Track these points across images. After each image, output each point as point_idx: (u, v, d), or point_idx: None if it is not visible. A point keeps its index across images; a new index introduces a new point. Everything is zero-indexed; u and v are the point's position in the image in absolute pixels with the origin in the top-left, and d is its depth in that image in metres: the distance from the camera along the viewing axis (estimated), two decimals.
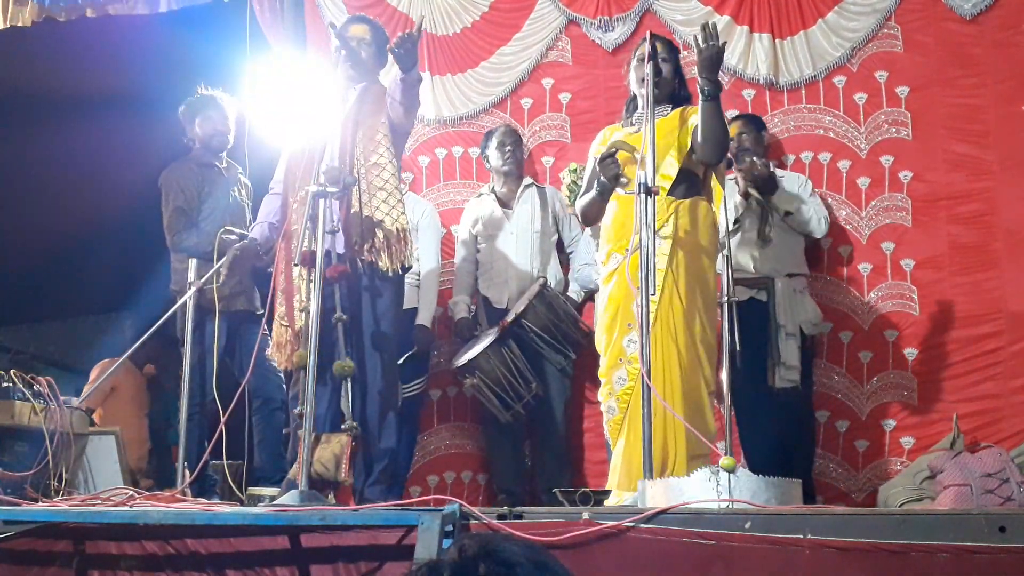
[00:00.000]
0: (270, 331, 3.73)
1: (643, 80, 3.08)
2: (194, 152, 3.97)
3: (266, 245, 3.47)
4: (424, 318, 3.97)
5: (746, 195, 3.71)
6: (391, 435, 3.16)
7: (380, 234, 3.05)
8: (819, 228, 3.80)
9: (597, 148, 3.33)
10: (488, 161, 4.10)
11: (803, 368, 3.64)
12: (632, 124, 3.28)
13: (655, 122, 3.13)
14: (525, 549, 1.04)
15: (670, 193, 3.07)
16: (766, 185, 3.66)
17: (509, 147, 4.01)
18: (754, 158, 3.67)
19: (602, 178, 3.12)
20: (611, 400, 3.10)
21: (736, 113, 3.99)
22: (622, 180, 3.07)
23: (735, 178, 3.76)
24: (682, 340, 3.01)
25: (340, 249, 3.09)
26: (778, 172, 3.88)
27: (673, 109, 3.23)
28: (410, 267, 3.28)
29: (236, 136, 3.99)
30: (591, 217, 3.35)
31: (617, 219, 3.16)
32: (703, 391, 3.04)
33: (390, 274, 3.09)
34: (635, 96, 3.32)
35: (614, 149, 3.09)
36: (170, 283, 3.86)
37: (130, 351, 3.64)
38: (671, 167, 3.12)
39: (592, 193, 3.23)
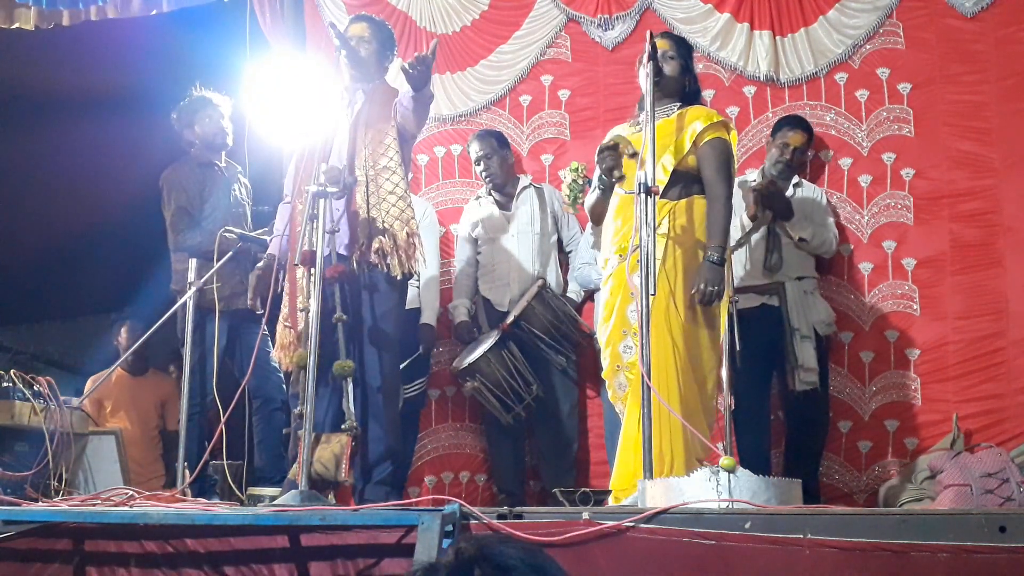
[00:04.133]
0: (270, 331, 3.73)
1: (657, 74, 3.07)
2: (194, 152, 3.96)
3: (283, 259, 3.42)
4: (428, 317, 3.97)
5: (754, 217, 3.66)
6: (393, 436, 3.16)
7: (388, 239, 3.05)
8: (830, 251, 3.79)
9: None
10: None
11: (820, 370, 3.63)
12: (637, 124, 3.27)
13: (671, 117, 3.14)
14: (522, 552, 1.04)
15: (663, 196, 3.02)
16: (782, 212, 3.63)
17: (482, 164, 4.00)
18: (773, 185, 3.64)
19: (601, 169, 3.11)
20: (618, 404, 3.12)
21: (785, 115, 3.96)
22: (615, 174, 3.06)
23: (745, 192, 3.71)
24: (679, 341, 2.99)
25: (341, 250, 3.09)
26: (798, 181, 3.86)
27: (682, 106, 3.20)
28: (416, 273, 3.27)
29: (235, 136, 3.99)
30: (597, 216, 3.34)
31: (613, 222, 3.15)
32: (700, 392, 3.02)
33: (398, 277, 3.08)
34: (643, 95, 3.31)
35: (615, 142, 3.07)
36: (171, 283, 3.85)
37: (128, 353, 3.64)
38: (662, 171, 3.08)
39: (596, 192, 3.23)
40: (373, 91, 3.23)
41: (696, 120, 3.11)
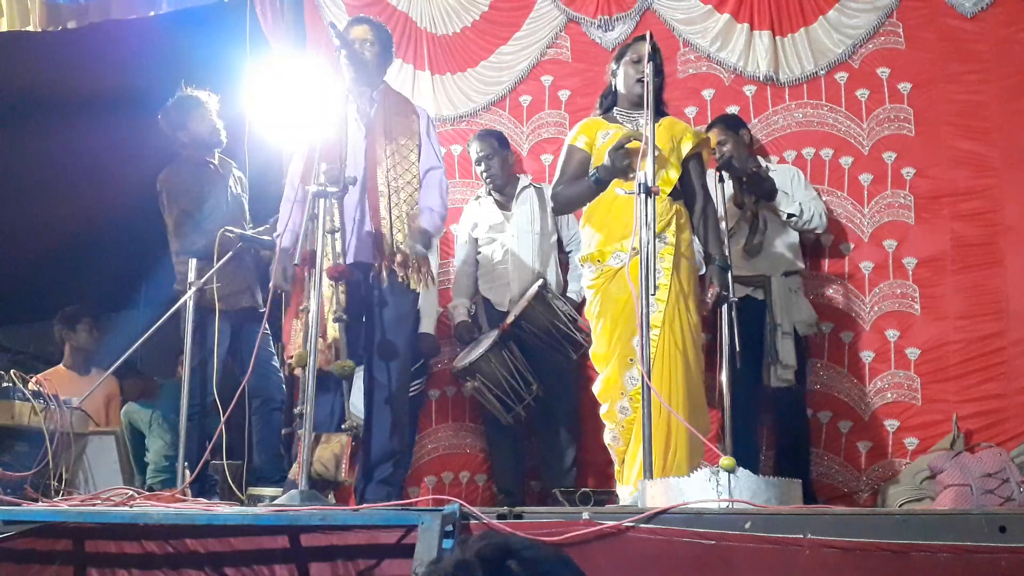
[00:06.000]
0: (271, 330, 3.72)
1: (639, 81, 3.13)
2: (188, 153, 3.87)
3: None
4: (427, 325, 3.96)
5: (741, 204, 3.67)
6: (397, 437, 3.18)
7: (409, 251, 3.12)
8: (821, 224, 3.79)
9: (576, 136, 3.33)
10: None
11: (798, 368, 3.63)
12: (620, 123, 3.28)
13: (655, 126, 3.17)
14: (546, 548, 1.05)
15: (670, 195, 3.13)
16: (767, 194, 3.64)
17: (483, 165, 4.00)
18: (755, 170, 3.64)
19: (609, 164, 3.10)
20: (623, 400, 3.12)
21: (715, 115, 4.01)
22: (631, 174, 3.09)
23: (724, 182, 3.73)
24: (688, 342, 3.09)
25: (362, 257, 3.12)
26: (769, 167, 3.87)
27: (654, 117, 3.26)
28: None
29: (235, 136, 3.96)
30: (572, 207, 3.41)
31: (620, 217, 3.16)
32: (702, 392, 3.12)
33: (413, 286, 3.15)
34: (614, 92, 3.33)
35: (626, 140, 3.09)
36: (174, 283, 3.82)
37: (129, 351, 3.63)
38: (674, 173, 3.20)
39: (587, 183, 3.20)
40: (384, 98, 3.27)
41: (686, 134, 3.26)
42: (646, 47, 3.06)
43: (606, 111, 3.35)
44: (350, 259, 3.10)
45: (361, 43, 3.27)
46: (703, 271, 3.29)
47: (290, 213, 3.22)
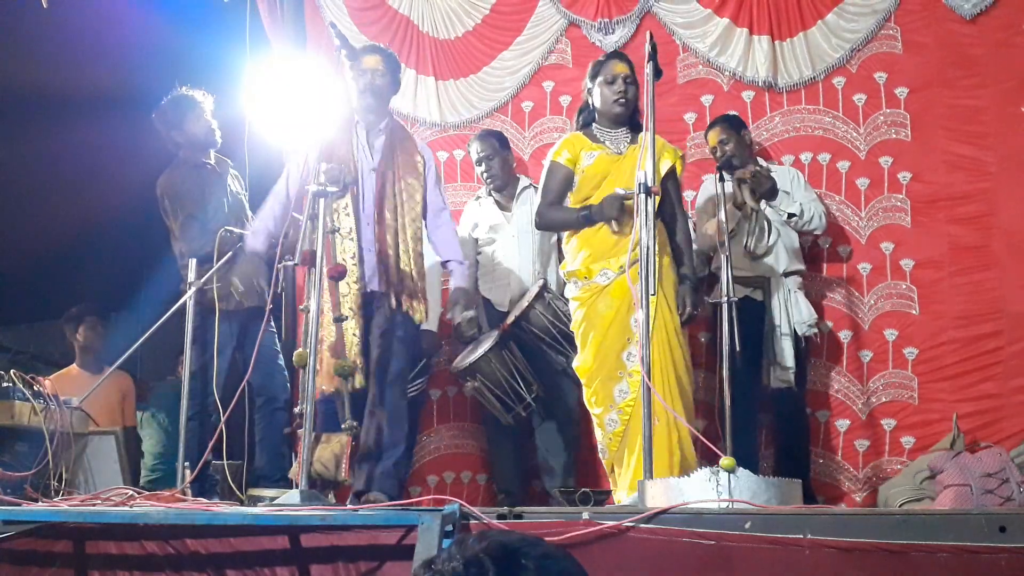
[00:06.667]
0: (277, 328, 3.71)
1: (616, 101, 3.26)
2: (184, 155, 3.78)
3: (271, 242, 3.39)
4: (430, 323, 3.97)
5: (741, 204, 3.68)
6: (398, 431, 3.22)
7: (411, 283, 3.23)
8: (821, 225, 3.81)
9: (559, 152, 3.39)
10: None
11: (797, 369, 3.65)
12: (601, 141, 3.32)
13: (636, 145, 3.25)
14: (550, 545, 1.06)
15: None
16: (769, 193, 3.65)
17: (483, 166, 4.03)
18: (758, 168, 3.65)
19: (603, 211, 3.19)
20: (612, 413, 3.14)
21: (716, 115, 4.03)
22: (612, 226, 3.20)
23: (724, 182, 3.75)
24: (675, 348, 3.16)
25: (372, 286, 3.21)
26: (770, 167, 3.89)
27: (631, 133, 3.35)
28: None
29: (236, 136, 3.94)
30: (555, 231, 3.58)
31: (608, 235, 3.21)
32: (691, 399, 3.21)
33: (417, 318, 3.27)
34: (590, 108, 3.38)
35: (627, 197, 3.15)
36: (180, 283, 3.78)
37: (129, 351, 3.62)
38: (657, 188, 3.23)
39: (575, 217, 3.29)
40: (392, 134, 3.35)
41: (665, 152, 3.33)
42: (647, 47, 3.09)
43: (584, 126, 3.40)
44: (372, 288, 3.20)
45: (373, 73, 3.31)
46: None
47: (284, 214, 3.25)
